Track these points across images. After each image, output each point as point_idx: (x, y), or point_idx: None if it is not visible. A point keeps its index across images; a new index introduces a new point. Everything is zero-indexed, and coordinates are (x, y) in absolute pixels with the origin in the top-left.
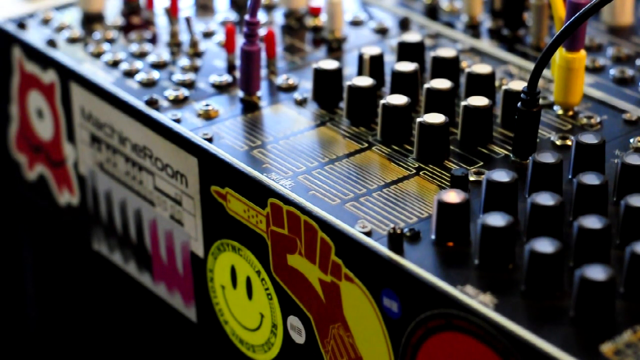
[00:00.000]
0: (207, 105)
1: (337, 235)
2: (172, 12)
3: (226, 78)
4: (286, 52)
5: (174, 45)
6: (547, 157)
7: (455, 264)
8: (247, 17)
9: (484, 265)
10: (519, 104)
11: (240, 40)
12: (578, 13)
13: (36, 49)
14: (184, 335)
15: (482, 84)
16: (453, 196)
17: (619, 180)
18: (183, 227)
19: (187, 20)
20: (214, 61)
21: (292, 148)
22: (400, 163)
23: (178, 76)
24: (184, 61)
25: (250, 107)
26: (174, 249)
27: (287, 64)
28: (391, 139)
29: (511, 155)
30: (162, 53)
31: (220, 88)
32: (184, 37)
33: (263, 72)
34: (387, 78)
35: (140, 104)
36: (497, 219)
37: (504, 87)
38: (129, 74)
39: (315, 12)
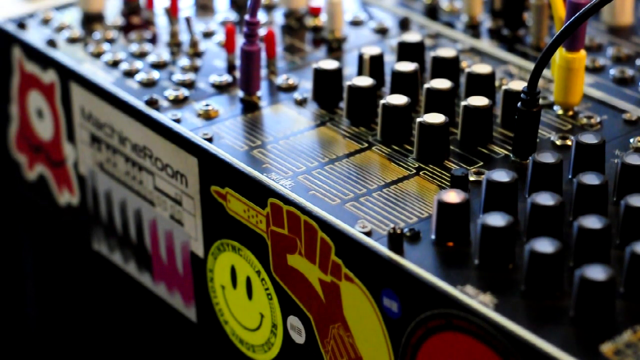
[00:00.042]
0: (207, 105)
1: (337, 235)
2: (172, 12)
3: (226, 78)
4: (286, 52)
5: (174, 45)
6: (547, 157)
7: (455, 264)
8: (247, 17)
9: (484, 265)
10: (519, 104)
11: (240, 40)
12: (578, 13)
13: (36, 49)
14: (184, 335)
15: (482, 84)
16: (453, 196)
17: (619, 180)
18: (183, 227)
19: (187, 20)
20: (214, 61)
21: (292, 148)
22: (400, 163)
23: (178, 76)
24: (184, 61)
25: (250, 107)
26: (174, 249)
27: (287, 64)
28: (391, 139)
29: (511, 155)
30: (162, 53)
31: (220, 88)
32: (184, 37)
33: (263, 72)
34: (387, 78)
35: (140, 104)
36: (497, 219)
37: (504, 87)
38: (129, 74)
39: (315, 12)
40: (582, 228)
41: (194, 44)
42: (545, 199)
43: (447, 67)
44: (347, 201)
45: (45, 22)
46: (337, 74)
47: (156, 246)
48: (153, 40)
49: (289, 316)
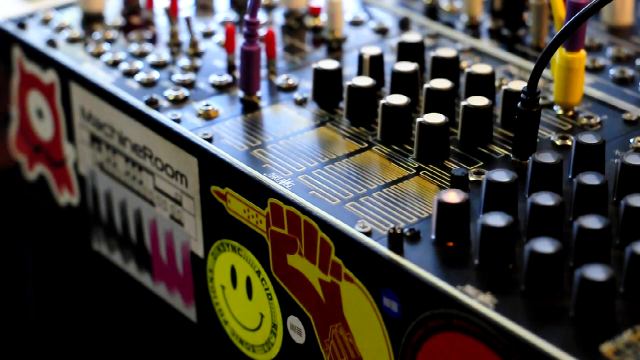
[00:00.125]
0: (207, 105)
1: (337, 235)
2: (172, 12)
3: (226, 78)
4: (286, 52)
5: (174, 45)
6: (547, 157)
7: (455, 264)
8: (247, 17)
9: (484, 265)
10: (519, 104)
11: (240, 40)
12: (578, 13)
13: (36, 49)
14: (184, 335)
15: (482, 84)
16: (453, 196)
17: (619, 180)
18: (183, 227)
19: (187, 20)
20: (214, 61)
21: (292, 148)
22: (400, 163)
23: (178, 76)
24: (184, 61)
25: (250, 107)
26: (174, 249)
27: (287, 64)
28: (391, 139)
29: (511, 155)
30: (162, 53)
31: (220, 88)
32: (184, 37)
33: (263, 72)
34: (387, 78)
35: (140, 104)
36: (497, 219)
37: (504, 87)
38: (129, 74)
39: (315, 12)
40: (582, 228)
41: (194, 44)
42: (545, 199)
43: (447, 67)
44: (347, 201)
45: (45, 22)
46: (337, 74)
47: (156, 246)
48: (153, 40)
49: (289, 316)
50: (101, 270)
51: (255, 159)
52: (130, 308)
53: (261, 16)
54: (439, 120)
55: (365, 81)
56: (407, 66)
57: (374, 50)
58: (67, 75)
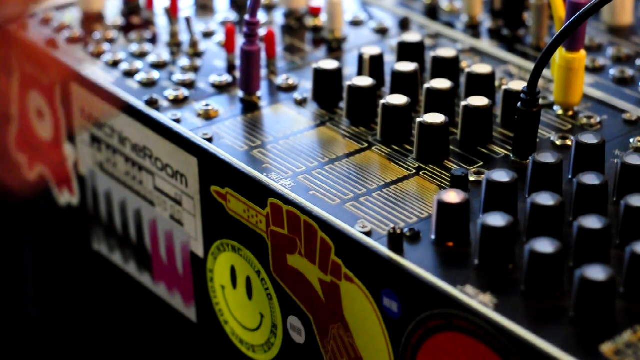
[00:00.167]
0: (207, 105)
1: (337, 235)
2: (172, 12)
3: (226, 78)
4: (286, 52)
5: (174, 45)
6: (547, 157)
7: (455, 264)
8: (247, 17)
9: (484, 265)
10: (519, 104)
11: (240, 40)
12: (578, 13)
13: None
14: (184, 335)
15: (482, 84)
16: (453, 196)
17: (619, 180)
18: (183, 227)
19: (187, 20)
20: (214, 61)
21: (292, 148)
22: (400, 163)
23: (178, 76)
24: (184, 61)
25: (250, 107)
26: (174, 249)
27: (287, 64)
28: (391, 139)
29: (511, 155)
30: (162, 53)
31: (220, 88)
32: (184, 37)
33: (263, 72)
34: (387, 78)
35: (140, 104)
36: (497, 219)
37: (504, 87)
38: (129, 74)
39: (315, 12)
40: (582, 228)
41: (194, 44)
42: (545, 199)
43: (447, 67)
44: (347, 201)
45: (45, 22)
46: (337, 74)
47: (156, 246)
48: (153, 40)
49: (289, 316)
50: (101, 270)
51: (255, 159)
52: (130, 308)
53: (261, 16)
54: (439, 120)
55: (365, 81)
56: (407, 66)
57: (374, 50)
58: (67, 75)
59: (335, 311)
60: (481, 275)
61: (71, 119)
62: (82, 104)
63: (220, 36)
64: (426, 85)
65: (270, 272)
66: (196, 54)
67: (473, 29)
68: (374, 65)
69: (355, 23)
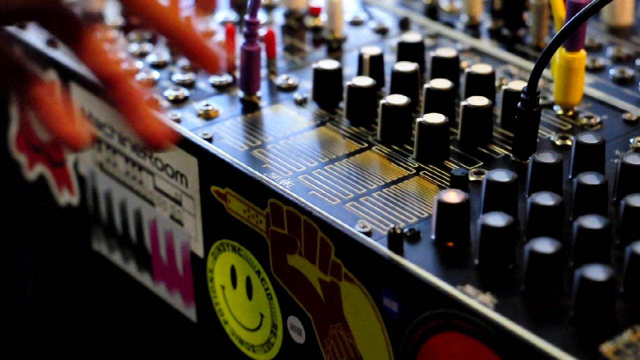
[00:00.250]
0: (207, 105)
1: (337, 235)
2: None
3: (226, 78)
4: (286, 52)
5: None
6: (547, 157)
7: (455, 264)
8: (247, 17)
9: (484, 265)
10: (519, 104)
11: (240, 40)
12: (578, 13)
13: (36, 49)
14: (184, 335)
15: (482, 84)
16: (453, 196)
17: (619, 180)
18: (183, 227)
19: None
20: None
21: (292, 148)
22: (400, 163)
23: (178, 76)
24: (184, 61)
25: (250, 107)
26: (174, 249)
27: (287, 64)
28: (391, 139)
29: (511, 155)
30: (162, 53)
31: (220, 88)
32: None
33: (263, 72)
34: (387, 78)
35: None
36: (497, 219)
37: (504, 87)
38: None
39: (315, 12)
40: (582, 228)
41: None
42: (545, 199)
43: (447, 67)
44: (347, 201)
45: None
46: (337, 74)
47: (156, 246)
48: (153, 40)
49: (289, 316)
50: (101, 270)
51: (255, 159)
52: (130, 308)
53: (261, 16)
54: (439, 120)
55: (365, 81)
56: (407, 66)
57: (374, 50)
58: (67, 75)
59: (335, 311)
60: (481, 275)
61: None
62: (82, 104)
63: (220, 36)
64: (426, 85)
65: (270, 272)
66: None
67: (473, 29)
68: (374, 65)
69: (355, 23)
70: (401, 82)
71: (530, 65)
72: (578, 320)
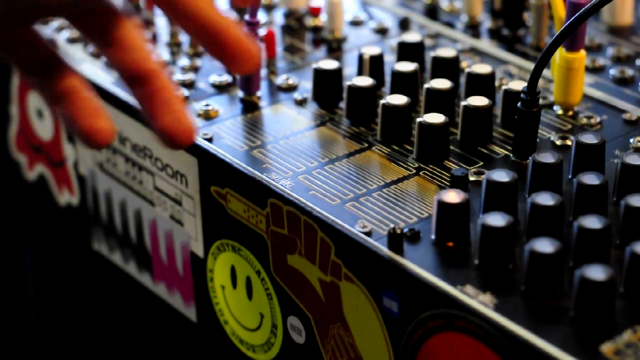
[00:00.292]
0: (207, 105)
1: (337, 235)
2: None
3: (226, 78)
4: (286, 52)
5: (174, 45)
6: (547, 157)
7: (455, 264)
8: (247, 17)
9: (484, 265)
10: (519, 104)
11: None
12: (578, 13)
13: None
14: (184, 335)
15: (482, 84)
16: (453, 196)
17: (619, 180)
18: (183, 227)
19: None
20: (214, 61)
21: (292, 148)
22: (400, 163)
23: (178, 76)
24: (184, 61)
25: (250, 107)
26: (174, 249)
27: (287, 64)
28: (391, 139)
29: (511, 155)
30: (162, 53)
31: (220, 88)
32: (184, 37)
33: (263, 72)
34: (387, 78)
35: None
36: (497, 219)
37: (504, 87)
38: None
39: (315, 12)
40: (582, 228)
41: (194, 44)
42: (545, 199)
43: (447, 67)
44: (347, 201)
45: (45, 22)
46: (337, 74)
47: (156, 246)
48: (153, 40)
49: (289, 316)
50: (101, 270)
51: (255, 159)
52: (130, 308)
53: (261, 16)
54: (439, 120)
55: (365, 81)
56: (407, 66)
57: (374, 50)
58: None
59: (335, 311)
60: (481, 275)
61: None
62: None
63: None
64: (426, 85)
65: (270, 272)
66: (196, 54)
67: (473, 29)
68: (374, 65)
69: (355, 23)
70: (401, 82)
71: (530, 65)
72: (578, 320)
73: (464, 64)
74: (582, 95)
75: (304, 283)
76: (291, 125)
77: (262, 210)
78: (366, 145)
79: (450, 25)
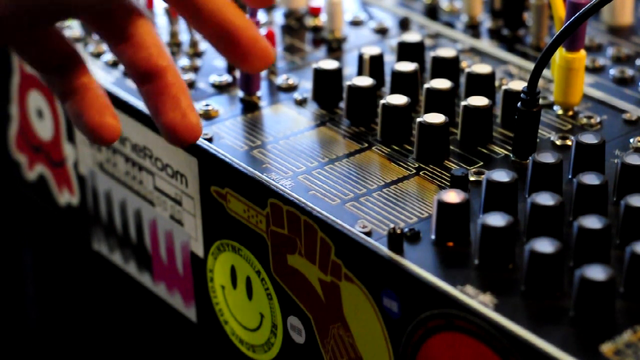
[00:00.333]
0: (207, 105)
1: (337, 235)
2: (172, 12)
3: (226, 78)
4: (286, 52)
5: (174, 45)
6: (547, 157)
7: (455, 264)
8: (247, 17)
9: (484, 265)
10: (519, 104)
11: None
12: (578, 13)
13: None
14: (184, 335)
15: (482, 84)
16: (453, 196)
17: (619, 180)
18: (183, 227)
19: None
20: (214, 61)
21: (292, 148)
22: (400, 163)
23: None
24: (184, 61)
25: (250, 107)
26: (174, 249)
27: (287, 64)
28: (391, 139)
29: (511, 155)
30: None
31: (220, 88)
32: (184, 37)
33: (263, 72)
34: (387, 78)
35: (140, 104)
36: (497, 219)
37: (504, 87)
38: None
39: (315, 12)
40: (582, 228)
41: (194, 44)
42: (545, 199)
43: (447, 67)
44: (347, 201)
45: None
46: (337, 74)
47: (156, 246)
48: None
49: (289, 316)
50: (101, 270)
51: (255, 159)
52: (130, 308)
53: (261, 16)
54: (439, 120)
55: (365, 81)
56: (407, 66)
57: (374, 50)
58: None
59: (335, 311)
60: (481, 275)
61: None
62: None
63: None
64: (426, 85)
65: (270, 272)
66: (196, 54)
67: (473, 29)
68: (374, 65)
69: (355, 23)
70: (401, 82)
71: (530, 65)
72: (578, 320)
73: (464, 64)
74: (582, 95)
75: (304, 283)
76: (291, 125)
77: (262, 210)
78: (366, 145)
79: (450, 25)
